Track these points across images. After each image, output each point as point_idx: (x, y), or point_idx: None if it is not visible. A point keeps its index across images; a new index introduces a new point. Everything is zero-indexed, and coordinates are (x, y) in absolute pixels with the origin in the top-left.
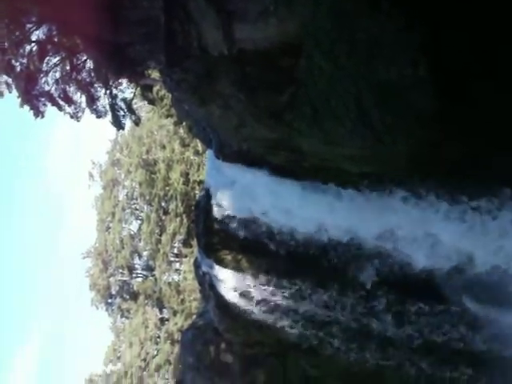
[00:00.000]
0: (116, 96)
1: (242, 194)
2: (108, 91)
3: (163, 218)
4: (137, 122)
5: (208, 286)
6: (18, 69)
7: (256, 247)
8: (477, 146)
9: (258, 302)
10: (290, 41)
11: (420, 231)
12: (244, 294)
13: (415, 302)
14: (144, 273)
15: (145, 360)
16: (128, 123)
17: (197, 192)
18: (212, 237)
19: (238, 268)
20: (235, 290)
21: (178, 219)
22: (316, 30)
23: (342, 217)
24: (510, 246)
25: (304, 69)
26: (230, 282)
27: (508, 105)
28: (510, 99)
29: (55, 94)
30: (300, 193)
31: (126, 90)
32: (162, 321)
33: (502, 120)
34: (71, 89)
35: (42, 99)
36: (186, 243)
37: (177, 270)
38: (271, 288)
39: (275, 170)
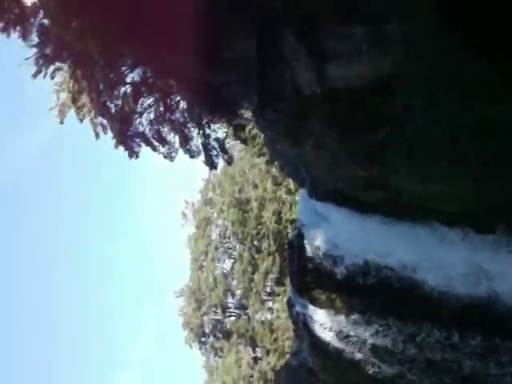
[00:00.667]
0: (209, 136)
1: (336, 233)
2: (201, 131)
3: (256, 256)
4: (229, 162)
5: (302, 325)
6: (113, 110)
7: (350, 286)
8: None
9: (353, 342)
10: (382, 79)
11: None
12: (339, 334)
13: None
14: (237, 311)
15: None
16: (221, 162)
17: (289, 231)
18: (305, 276)
19: (332, 307)
20: (330, 330)
21: (271, 258)
22: (410, 68)
23: (439, 256)
24: None
25: (399, 106)
26: (324, 322)
27: None
28: None
29: (149, 135)
30: (395, 232)
31: (218, 129)
32: (255, 360)
33: None
34: (165, 129)
35: (137, 140)
36: (278, 282)
37: (269, 308)
38: (367, 327)
39: (369, 208)
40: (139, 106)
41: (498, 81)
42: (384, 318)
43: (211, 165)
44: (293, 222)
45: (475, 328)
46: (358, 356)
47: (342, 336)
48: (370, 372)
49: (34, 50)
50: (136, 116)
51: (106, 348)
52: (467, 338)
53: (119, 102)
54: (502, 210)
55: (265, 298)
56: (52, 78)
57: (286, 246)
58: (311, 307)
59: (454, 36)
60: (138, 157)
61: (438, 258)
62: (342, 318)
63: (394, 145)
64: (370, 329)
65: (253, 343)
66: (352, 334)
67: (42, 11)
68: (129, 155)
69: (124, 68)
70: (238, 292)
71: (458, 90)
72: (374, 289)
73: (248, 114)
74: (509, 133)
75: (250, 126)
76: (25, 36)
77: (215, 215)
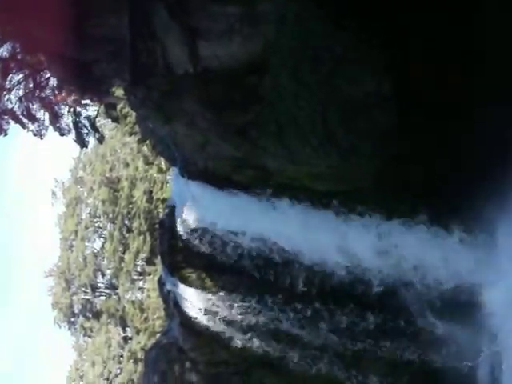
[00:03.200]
0: (80, 114)
1: (206, 212)
2: (71, 109)
3: (126, 236)
4: (100, 140)
5: (172, 304)
6: None
7: (219, 265)
8: (439, 165)
9: (222, 320)
10: (254, 59)
11: (382, 247)
12: (208, 312)
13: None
14: (107, 291)
15: (108, 379)
16: (91, 141)
17: (160, 210)
18: (176, 255)
19: (202, 286)
20: (200, 309)
21: (142, 237)
22: (280, 49)
23: (306, 233)
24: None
25: (269, 87)
26: (194, 301)
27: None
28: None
29: (18, 112)
30: (263, 211)
31: (89, 107)
32: (125, 339)
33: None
34: (35, 106)
35: (5, 117)
36: (149, 261)
37: (140, 288)
38: (235, 305)
39: (240, 188)
40: (8, 82)
41: (364, 61)
42: (252, 294)
43: (82, 143)
44: (164, 201)
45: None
46: (227, 334)
47: (211, 314)
48: (239, 349)
49: None
50: (5, 92)
51: None
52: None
53: None
54: (370, 189)
55: (135, 277)
56: None
57: (157, 226)
58: (182, 286)
59: (327, 18)
60: (6, 134)
61: (307, 237)
62: (210, 296)
63: (265, 124)
64: (238, 306)
65: (123, 323)
66: (220, 312)
67: None
68: None
69: None
70: (109, 271)
71: (325, 71)
72: (241, 266)
73: (119, 92)
74: (371, 113)
75: (122, 105)
76: None
77: (85, 194)
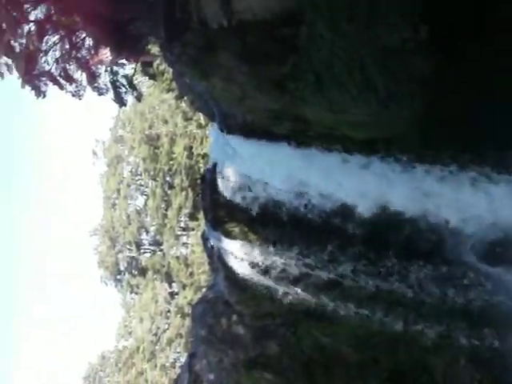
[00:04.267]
0: (117, 73)
1: (247, 165)
2: (108, 68)
3: (168, 192)
4: (138, 98)
5: (217, 258)
6: (18, 49)
7: (263, 218)
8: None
9: (267, 273)
10: (289, 10)
11: (418, 192)
12: (253, 265)
13: (420, 264)
14: (152, 248)
15: (156, 335)
16: (130, 99)
17: (201, 165)
18: (219, 210)
19: (245, 239)
20: (244, 262)
21: (184, 193)
22: None
23: (349, 183)
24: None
25: (305, 37)
26: (238, 254)
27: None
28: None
29: (56, 73)
30: (305, 162)
31: (126, 66)
32: (172, 295)
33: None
34: (71, 67)
35: (43, 79)
36: (192, 217)
37: (184, 243)
38: (279, 258)
39: (280, 140)
40: (44, 44)
41: (400, 7)
42: (296, 246)
43: (120, 102)
44: (204, 156)
45: (385, 249)
46: (272, 286)
47: (256, 267)
48: (284, 301)
49: None
50: (41, 54)
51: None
52: (382, 258)
53: (23, 41)
54: (405, 138)
55: (179, 233)
56: None
57: (199, 181)
58: (225, 240)
59: None
60: (45, 96)
61: (349, 186)
62: (255, 249)
63: (302, 75)
64: (283, 258)
65: (168, 279)
66: (265, 264)
67: None
68: (36, 94)
69: (27, 5)
70: (152, 228)
71: (363, 18)
72: (285, 219)
73: (155, 49)
74: (409, 59)
75: (158, 62)
76: None
77: (126, 153)
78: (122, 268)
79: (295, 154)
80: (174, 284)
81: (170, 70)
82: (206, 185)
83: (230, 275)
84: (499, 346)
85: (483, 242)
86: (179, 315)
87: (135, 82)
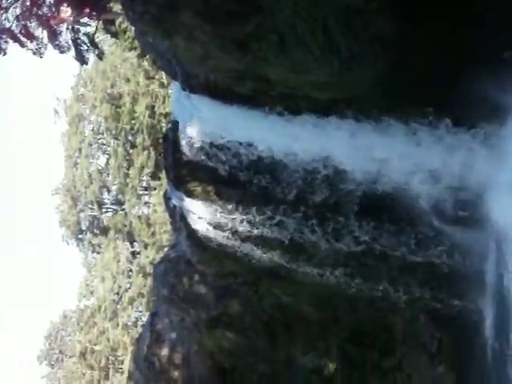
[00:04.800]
0: (78, 30)
1: (209, 124)
2: (70, 26)
3: (130, 151)
4: (100, 56)
5: (179, 217)
6: None
7: (225, 178)
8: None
9: (229, 232)
10: None
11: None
12: (215, 225)
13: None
14: (113, 207)
15: (118, 294)
16: (91, 58)
17: (163, 125)
18: (181, 169)
19: (208, 199)
20: (206, 221)
21: (146, 152)
22: None
23: (309, 143)
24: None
25: None
26: (200, 214)
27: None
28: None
29: (16, 31)
30: (266, 122)
31: (88, 24)
32: (134, 254)
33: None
34: (32, 25)
35: (3, 36)
36: (154, 176)
37: (146, 203)
38: (241, 217)
39: (242, 100)
40: (4, 1)
41: None
42: (257, 206)
43: (82, 60)
44: (167, 115)
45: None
46: (234, 246)
47: (218, 226)
48: (246, 261)
49: None
50: (1, 12)
51: None
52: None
53: None
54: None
55: (141, 192)
56: None
57: (161, 140)
58: (187, 199)
59: None
60: (5, 53)
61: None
62: (216, 208)
63: (266, 35)
64: (244, 218)
65: (130, 238)
66: (226, 224)
67: None
68: None
69: None
70: (114, 188)
71: None
72: (246, 178)
73: (117, 7)
74: (372, 19)
75: (120, 20)
76: None
77: (88, 111)
78: (83, 227)
79: (257, 115)
80: (135, 243)
81: (133, 29)
82: (168, 144)
83: (192, 235)
84: (459, 305)
85: (443, 201)
86: (141, 274)
87: (97, 40)
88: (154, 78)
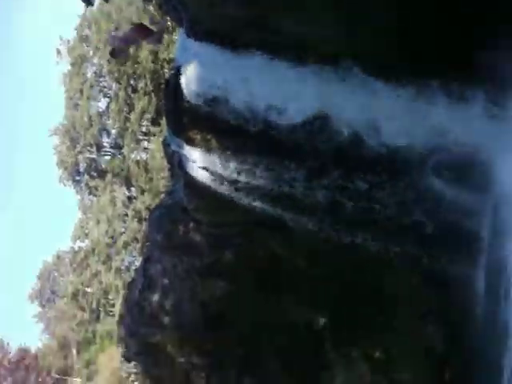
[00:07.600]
0: None
1: (214, 72)
2: None
3: (132, 96)
4: None
5: (177, 165)
6: None
7: (225, 127)
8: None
9: (227, 181)
10: None
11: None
12: (213, 174)
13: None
14: (112, 151)
15: (112, 237)
16: None
17: (166, 70)
18: (182, 116)
19: (207, 147)
20: (204, 169)
21: (147, 97)
22: None
23: (312, 96)
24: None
25: None
26: (199, 162)
27: None
28: None
29: None
30: (272, 72)
31: None
32: (130, 199)
33: None
34: None
35: None
36: (154, 122)
37: (145, 148)
38: (240, 167)
39: (247, 48)
40: None
41: None
42: (257, 157)
43: (87, 1)
44: (170, 61)
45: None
46: (231, 195)
47: (216, 175)
48: (242, 212)
49: None
50: None
51: None
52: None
53: None
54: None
55: (140, 137)
56: None
57: (163, 86)
58: (187, 147)
59: None
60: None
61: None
62: (215, 157)
63: None
64: (244, 168)
65: (128, 182)
66: (225, 173)
67: None
68: None
69: None
70: (114, 131)
71: None
72: (248, 129)
73: None
74: None
75: None
76: None
77: (91, 53)
78: (81, 169)
79: (262, 64)
80: (132, 188)
81: None
82: (169, 90)
83: (190, 182)
84: (454, 267)
85: (444, 161)
86: (136, 219)
87: None
88: (159, 24)
